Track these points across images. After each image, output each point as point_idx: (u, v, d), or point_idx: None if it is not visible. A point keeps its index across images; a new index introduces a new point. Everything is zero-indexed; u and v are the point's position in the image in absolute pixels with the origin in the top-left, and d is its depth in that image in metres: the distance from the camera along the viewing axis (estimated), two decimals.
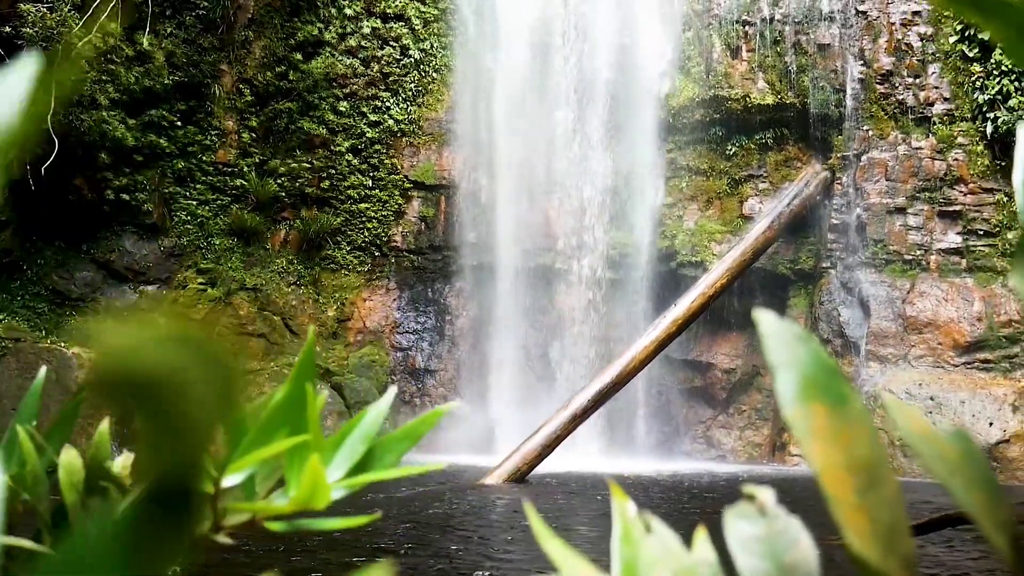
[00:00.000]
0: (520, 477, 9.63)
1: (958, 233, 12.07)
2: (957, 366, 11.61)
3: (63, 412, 0.69)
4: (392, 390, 0.64)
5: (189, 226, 13.59)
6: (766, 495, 0.48)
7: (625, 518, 0.50)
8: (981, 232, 11.97)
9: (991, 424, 10.80)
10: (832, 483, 0.42)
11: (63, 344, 11.00)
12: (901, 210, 12.28)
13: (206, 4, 13.20)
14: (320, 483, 0.50)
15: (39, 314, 12.37)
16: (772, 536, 0.47)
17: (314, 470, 0.50)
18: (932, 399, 11.16)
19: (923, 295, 11.92)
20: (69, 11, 10.71)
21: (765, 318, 0.46)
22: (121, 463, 0.64)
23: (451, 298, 14.31)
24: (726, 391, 13.49)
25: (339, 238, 14.19)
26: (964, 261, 12.01)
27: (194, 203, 13.63)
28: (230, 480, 0.50)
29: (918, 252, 12.16)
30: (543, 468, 10.04)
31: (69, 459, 0.63)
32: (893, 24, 12.49)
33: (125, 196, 12.83)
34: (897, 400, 0.50)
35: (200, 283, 13.24)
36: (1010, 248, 11.84)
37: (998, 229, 11.90)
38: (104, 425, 0.69)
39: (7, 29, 10.73)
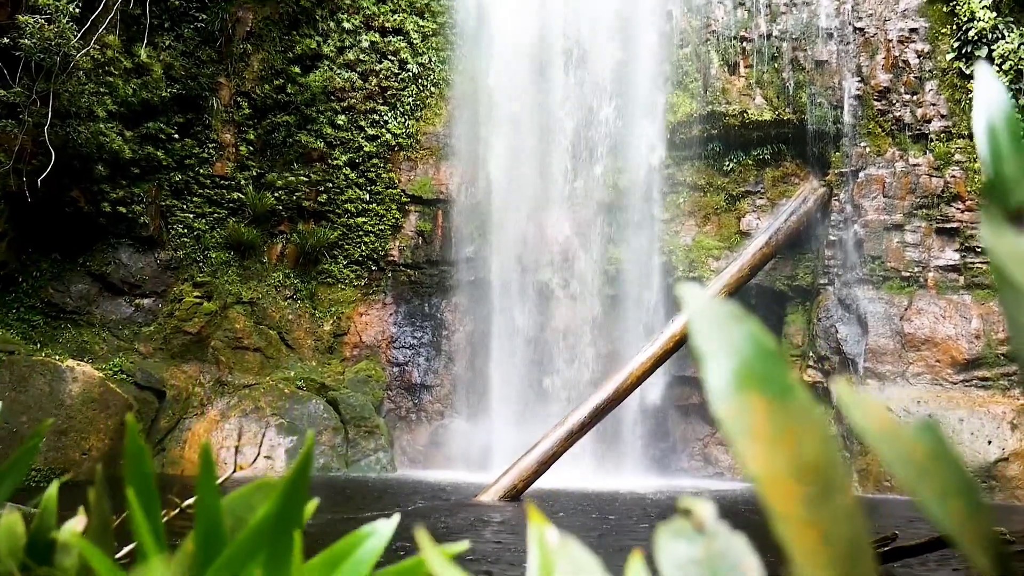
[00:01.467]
0: (516, 494, 9.56)
1: (956, 250, 12.05)
2: (955, 384, 11.56)
3: (14, 460, 0.62)
4: (394, 520, 0.57)
5: (185, 239, 13.55)
6: (705, 510, 0.41)
7: (542, 546, 0.43)
8: (979, 249, 11.94)
9: (990, 442, 10.74)
10: (775, 494, 0.35)
11: (57, 357, 10.93)
12: (899, 227, 12.27)
13: (205, 17, 13.21)
14: None
15: (33, 326, 12.30)
16: (711, 558, 0.40)
17: None
18: (930, 417, 11.09)
19: (921, 312, 11.89)
20: (67, 23, 10.70)
21: (689, 293, 0.39)
22: (71, 528, 0.57)
23: (448, 313, 14.26)
24: None
25: (336, 252, 14.16)
26: (962, 278, 11.98)
27: (191, 216, 13.59)
28: None
29: (916, 269, 12.14)
30: (539, 485, 9.97)
31: (10, 524, 0.56)
32: (890, 41, 12.52)
33: (122, 208, 12.79)
34: (851, 390, 0.43)
35: (196, 296, 13.17)
36: None
37: None
38: (52, 489, 0.60)
39: (5, 40, 10.71)
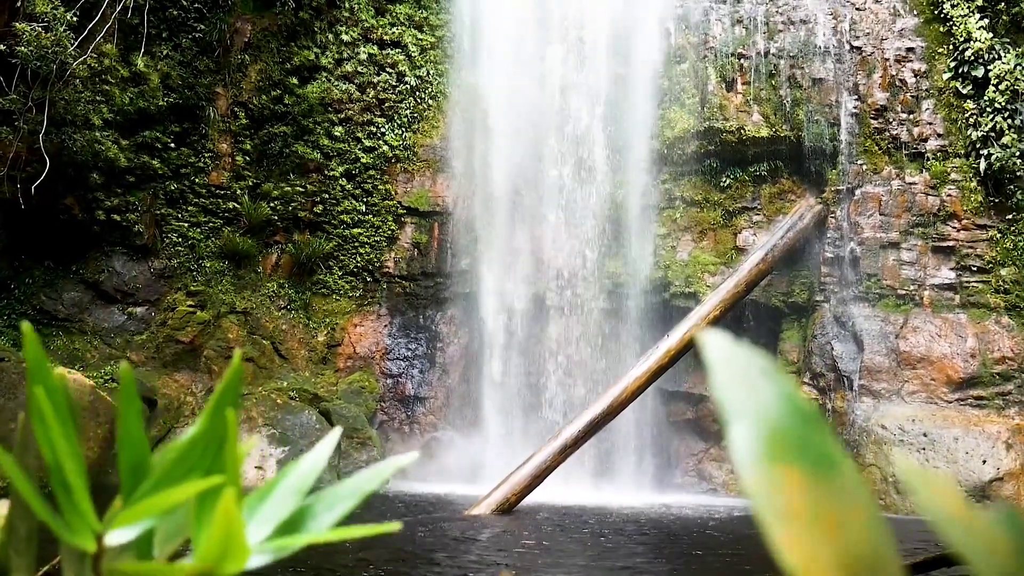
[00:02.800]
0: (508, 508, 9.50)
1: (951, 269, 12.05)
2: (950, 402, 11.53)
3: None
4: (335, 432, 0.54)
5: (180, 248, 13.51)
6: None
7: None
8: (974, 268, 11.95)
9: (984, 462, 10.70)
10: None
11: (48, 364, 10.84)
12: (895, 245, 12.27)
13: (203, 27, 13.21)
14: (235, 540, 0.40)
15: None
16: None
17: (228, 522, 0.40)
18: (925, 435, 11.07)
19: (916, 330, 11.87)
20: (65, 31, 10.68)
21: (713, 342, 0.33)
22: None
23: (442, 325, 14.21)
24: (718, 424, 13.35)
25: (331, 263, 14.12)
26: (957, 297, 11.98)
27: (186, 225, 13.55)
28: (119, 535, 0.40)
29: (911, 287, 12.13)
30: (532, 499, 9.91)
31: None
32: (887, 60, 12.55)
33: (116, 217, 12.74)
34: (918, 468, 0.36)
35: (189, 305, 13.12)
36: (1003, 285, 11.82)
37: (991, 265, 11.89)
38: None
39: (2, 48, 10.69)
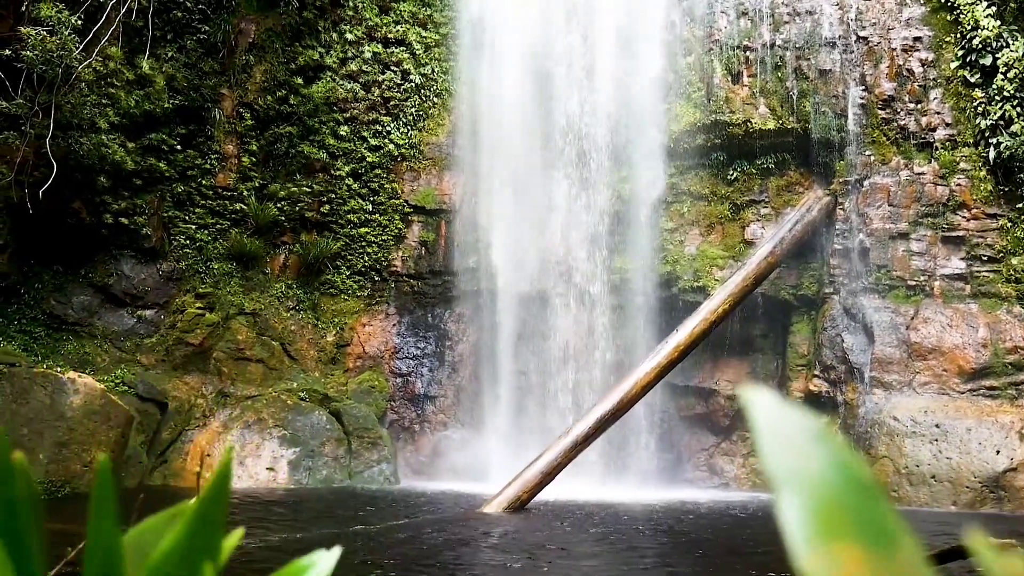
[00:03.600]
0: (520, 505, 9.48)
1: (962, 259, 11.97)
2: (963, 393, 11.47)
3: None
4: (335, 553, 0.50)
5: (188, 250, 13.52)
6: None
7: None
8: (985, 258, 11.87)
9: (998, 452, 10.64)
10: None
11: (58, 369, 10.87)
12: (904, 235, 12.20)
13: (207, 29, 13.21)
14: None
15: (35, 338, 12.26)
16: None
17: None
18: (938, 427, 11.01)
19: (927, 321, 11.81)
20: (69, 35, 10.68)
21: (758, 401, 0.30)
22: None
23: (451, 323, 14.20)
24: (729, 418, 13.34)
25: (339, 263, 14.11)
26: (968, 287, 11.90)
27: (193, 227, 13.56)
28: None
29: (922, 278, 12.06)
30: (543, 496, 9.89)
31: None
32: (894, 50, 12.47)
33: (124, 220, 12.76)
34: (988, 542, 0.32)
35: (198, 307, 13.13)
36: (1014, 274, 11.75)
37: (1002, 255, 11.81)
38: None
39: (7, 52, 10.70)
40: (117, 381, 11.81)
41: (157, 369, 12.71)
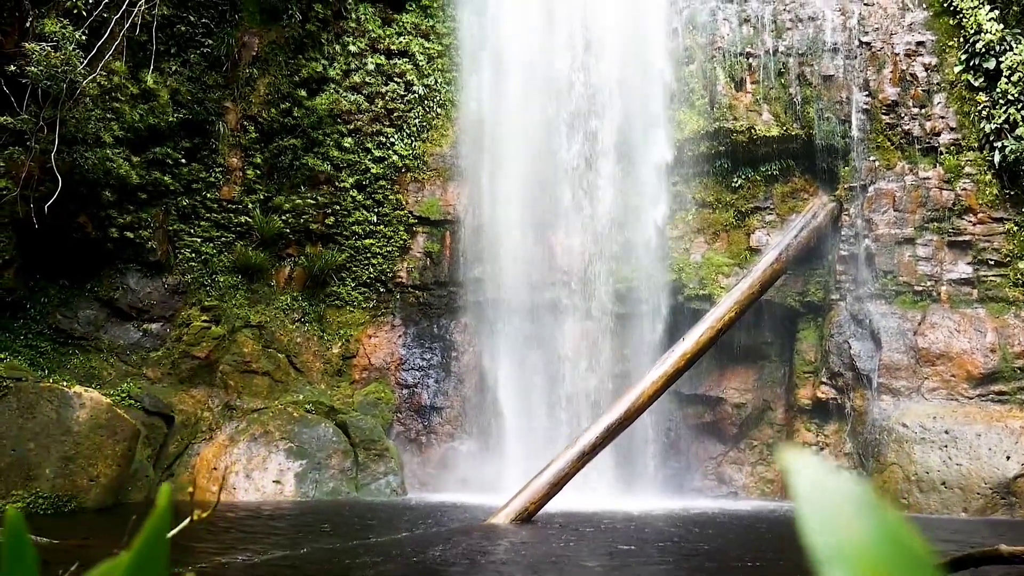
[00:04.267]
0: (528, 516, 9.43)
1: (968, 263, 11.92)
2: (971, 398, 11.40)
3: None
4: None
5: (193, 263, 13.53)
6: None
7: None
8: (992, 262, 11.82)
9: (1008, 458, 10.57)
10: None
11: (64, 383, 10.87)
12: (910, 240, 12.16)
13: (211, 43, 13.26)
14: None
15: (41, 353, 12.27)
16: None
17: None
18: (947, 432, 10.94)
19: (935, 326, 11.75)
20: (74, 50, 10.73)
21: (800, 469, 0.27)
22: None
23: (457, 334, 14.17)
24: (737, 426, 13.28)
25: (344, 274, 14.11)
26: (975, 291, 11.85)
27: (198, 240, 13.58)
28: None
29: (928, 283, 12.01)
30: (551, 507, 9.84)
31: None
32: (897, 55, 12.46)
33: (129, 234, 12.78)
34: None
35: (204, 321, 13.13)
36: (1022, 278, 11.69)
37: (1009, 259, 11.76)
38: None
39: (12, 68, 10.75)
40: (123, 395, 11.81)
41: (163, 382, 12.71)
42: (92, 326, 12.79)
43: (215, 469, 11.76)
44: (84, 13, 11.42)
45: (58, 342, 12.54)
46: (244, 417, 12.54)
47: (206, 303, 13.29)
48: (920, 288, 12.02)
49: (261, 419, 12.37)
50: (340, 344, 13.95)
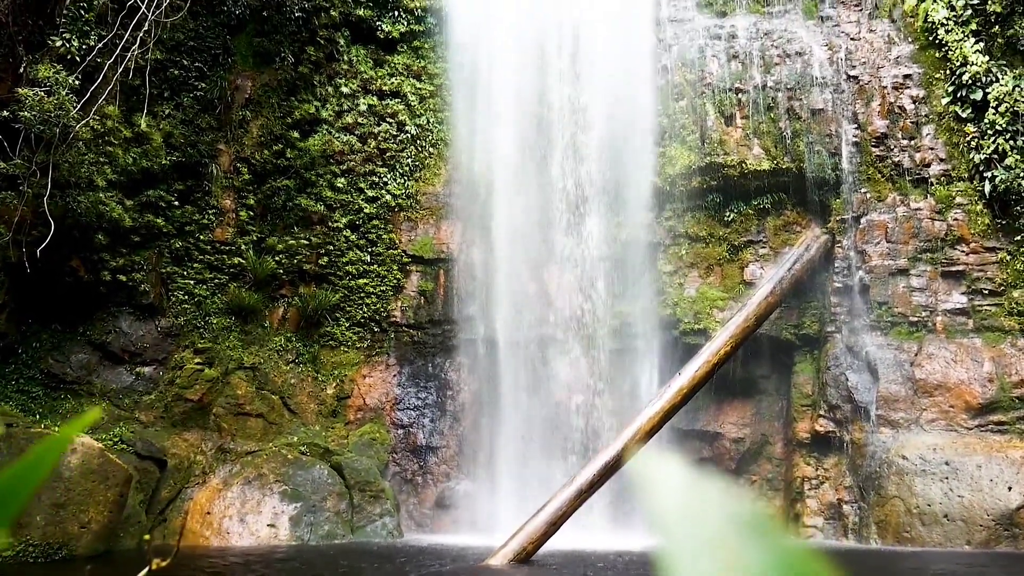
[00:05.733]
0: (526, 557, 9.30)
1: (963, 293, 11.92)
2: (971, 429, 11.33)
3: None
4: None
5: (186, 305, 13.48)
6: None
7: None
8: (986, 291, 11.82)
9: (1010, 489, 10.47)
10: None
11: (56, 428, 10.76)
12: (903, 271, 12.17)
13: (204, 86, 13.34)
14: None
15: (33, 398, 12.16)
16: None
17: None
18: (947, 464, 10.85)
19: (931, 357, 11.71)
20: (67, 95, 10.77)
21: (650, 463, 0.24)
22: None
23: (452, 373, 14.10)
24: (735, 461, 13.17)
25: (338, 314, 14.06)
26: (971, 321, 11.83)
27: (191, 282, 13.54)
28: None
29: (923, 313, 11.99)
30: (549, 546, 9.71)
31: None
32: (885, 88, 12.57)
33: (122, 277, 12.74)
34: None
35: (197, 363, 13.04)
36: (1016, 307, 11.69)
37: (1003, 288, 11.76)
38: None
39: (5, 113, 10.79)
40: (115, 439, 11.68)
41: (156, 426, 12.58)
42: (84, 370, 12.70)
43: (209, 513, 11.60)
44: (78, 58, 11.49)
45: (50, 387, 12.43)
46: (238, 460, 12.40)
47: (199, 345, 13.20)
48: (915, 319, 12.01)
49: (255, 462, 12.24)
50: (334, 384, 13.85)
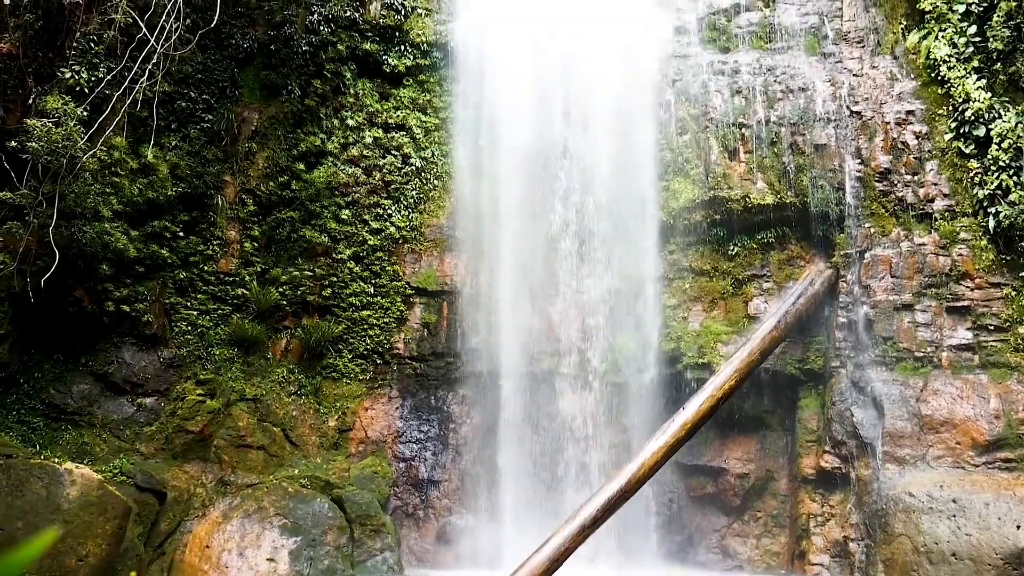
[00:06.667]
0: None
1: (968, 329, 11.87)
2: (978, 466, 11.21)
3: None
4: None
5: (189, 336, 13.46)
6: None
7: None
8: (992, 327, 11.76)
9: (1019, 527, 10.33)
10: None
11: (56, 459, 10.69)
12: (908, 307, 12.12)
13: (211, 118, 13.44)
14: None
15: (33, 429, 12.10)
16: None
17: None
18: (955, 502, 10.73)
19: (937, 393, 11.63)
20: (75, 126, 10.86)
21: None
22: None
23: (454, 406, 14.03)
24: (740, 497, 13.04)
25: (341, 346, 14.03)
26: (977, 357, 11.76)
27: (195, 313, 13.53)
28: None
29: (929, 349, 11.93)
30: None
31: None
32: (888, 124, 12.62)
33: (125, 307, 12.74)
34: None
35: (199, 394, 12.99)
36: (1022, 343, 11.62)
37: (1009, 324, 11.71)
38: None
39: (13, 144, 10.86)
40: (115, 471, 11.61)
41: (157, 458, 12.51)
42: (86, 400, 12.65)
43: (208, 547, 11.48)
44: (86, 90, 11.59)
45: (51, 417, 12.38)
46: (238, 493, 12.30)
47: (201, 376, 13.17)
48: (921, 354, 11.94)
49: (255, 495, 12.14)
50: (336, 417, 13.79)
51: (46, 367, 12.56)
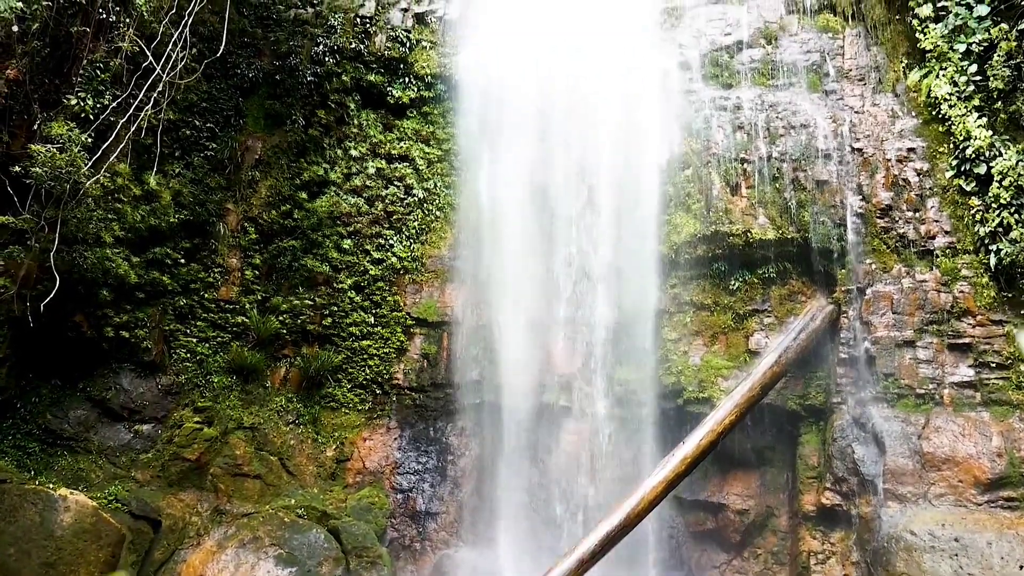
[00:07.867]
0: None
1: (970, 366, 11.83)
2: (980, 504, 11.11)
3: None
4: None
5: (188, 363, 13.42)
6: None
7: None
8: (993, 364, 11.73)
9: (1021, 567, 10.22)
10: None
11: (51, 485, 10.61)
12: (910, 343, 12.09)
13: (214, 146, 13.52)
14: None
15: (29, 454, 12.02)
16: None
17: None
18: (957, 540, 10.62)
19: (939, 430, 11.56)
20: (79, 152, 10.91)
21: None
22: None
23: (453, 437, 13.95)
24: (740, 533, 12.90)
25: (340, 376, 13.99)
26: (978, 394, 11.71)
27: (194, 340, 13.51)
28: None
29: (930, 386, 11.88)
30: None
31: None
32: (889, 160, 12.69)
33: (125, 333, 12.72)
34: None
35: (196, 422, 12.93)
36: None
37: (1010, 361, 11.67)
38: None
39: (16, 169, 10.91)
40: (110, 498, 11.51)
41: (152, 485, 12.41)
42: (82, 426, 12.58)
43: None
44: (91, 117, 11.66)
45: (47, 443, 12.30)
46: (234, 522, 12.18)
47: (199, 404, 13.11)
48: (922, 391, 11.89)
49: (251, 524, 12.02)
50: (334, 447, 13.70)
51: (43, 392, 12.50)
